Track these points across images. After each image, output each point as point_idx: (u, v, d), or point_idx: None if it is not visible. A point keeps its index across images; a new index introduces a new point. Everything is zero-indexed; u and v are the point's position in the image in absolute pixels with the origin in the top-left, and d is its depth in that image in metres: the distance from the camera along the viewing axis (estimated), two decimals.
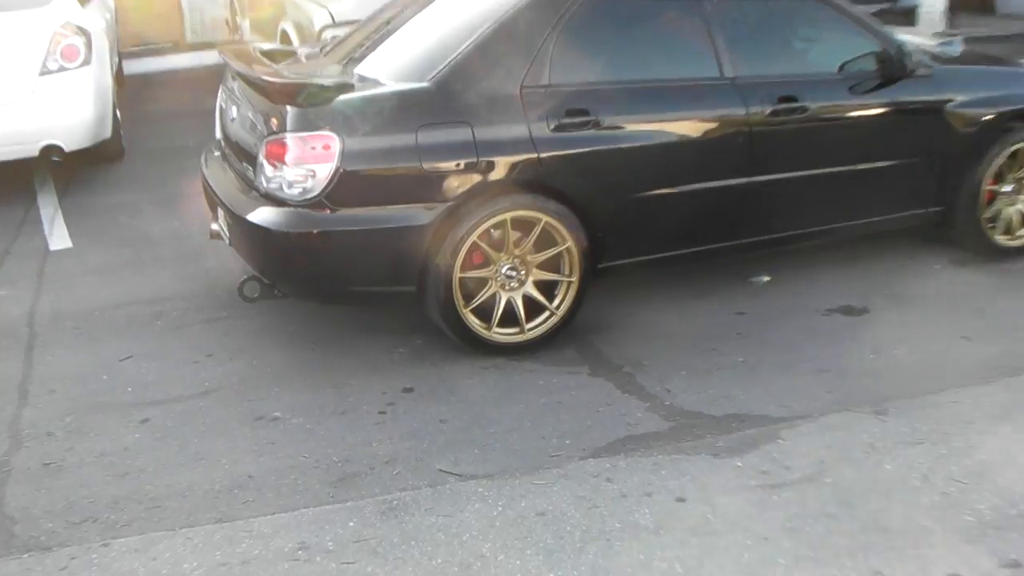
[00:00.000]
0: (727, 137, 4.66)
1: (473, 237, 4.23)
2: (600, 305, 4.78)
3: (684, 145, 4.61)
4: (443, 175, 4.18)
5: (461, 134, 4.18)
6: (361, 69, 4.60)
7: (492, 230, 4.31)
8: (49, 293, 5.28)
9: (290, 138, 4.10)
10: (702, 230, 4.76)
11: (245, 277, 4.46)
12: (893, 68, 4.93)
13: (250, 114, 4.48)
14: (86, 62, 6.66)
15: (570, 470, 3.59)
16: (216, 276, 5.33)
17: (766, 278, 5.21)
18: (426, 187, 4.18)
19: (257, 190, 4.29)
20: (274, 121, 4.17)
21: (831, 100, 4.88)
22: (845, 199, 5.00)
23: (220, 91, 5.13)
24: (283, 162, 4.11)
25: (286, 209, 4.15)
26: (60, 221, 6.31)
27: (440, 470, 3.63)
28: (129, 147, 7.76)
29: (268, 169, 4.17)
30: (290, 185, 4.11)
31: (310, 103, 4.16)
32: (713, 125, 4.65)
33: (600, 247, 4.52)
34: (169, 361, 4.51)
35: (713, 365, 4.35)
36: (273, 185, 4.17)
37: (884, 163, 5.02)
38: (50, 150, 6.51)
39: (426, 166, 4.14)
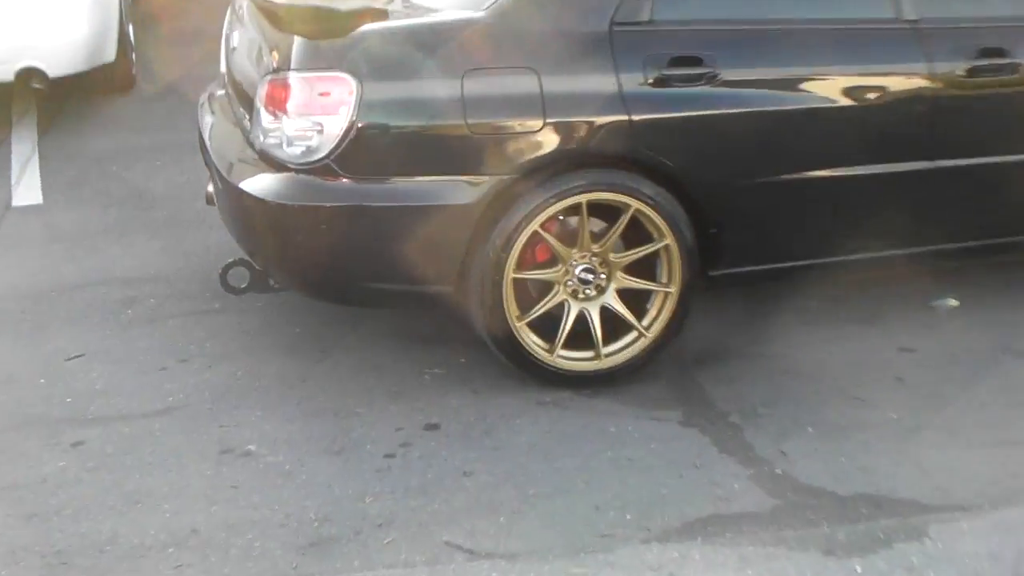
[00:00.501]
0: (900, 104, 4.38)
1: (534, 225, 4.06)
2: (711, 327, 4.61)
3: (836, 113, 4.33)
4: (496, 139, 4.01)
5: (524, 84, 4.01)
6: None
7: (562, 217, 4.16)
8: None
9: (293, 78, 3.99)
10: (859, 232, 4.49)
11: (231, 261, 4.38)
12: None
13: (254, 45, 4.41)
14: None
15: (622, 556, 3.41)
16: (217, 255, 5.22)
17: (953, 302, 4.94)
18: (472, 154, 4.02)
19: (252, 146, 4.21)
20: (275, 55, 4.08)
21: None
22: None
23: (228, 11, 5.08)
24: (284, 110, 4.00)
25: (285, 175, 4.05)
26: (34, 168, 6.40)
27: (446, 542, 3.48)
28: (143, 76, 7.84)
29: (265, 118, 4.07)
30: (291, 142, 4.00)
31: (324, 34, 4.05)
32: (880, 86, 4.37)
33: (714, 247, 4.32)
34: (129, 365, 4.49)
35: (853, 422, 4.11)
36: (271, 141, 4.07)
37: None
38: (29, 74, 6.59)
39: (472, 125, 3.98)
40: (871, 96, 4.37)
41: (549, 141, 4.04)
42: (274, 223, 4.12)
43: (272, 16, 4.23)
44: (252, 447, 3.98)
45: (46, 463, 3.87)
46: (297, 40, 4.03)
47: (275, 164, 4.07)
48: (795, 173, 4.33)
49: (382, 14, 4.18)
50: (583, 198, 4.09)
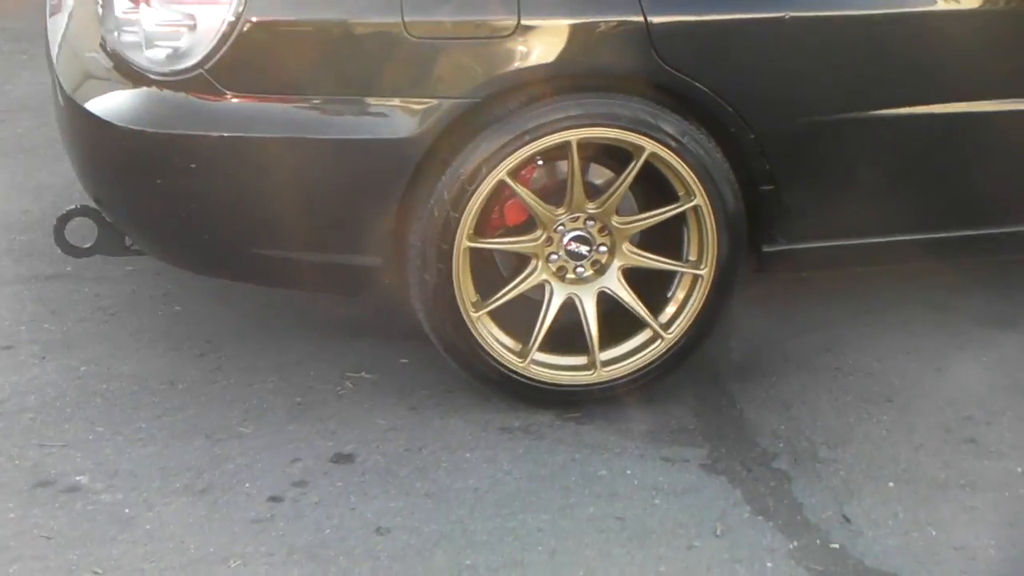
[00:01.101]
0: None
1: (499, 172, 3.86)
2: (762, 326, 4.48)
3: (945, 26, 4.09)
4: (447, 45, 3.82)
5: None
6: None
7: (542, 162, 3.98)
8: None
9: None
10: (986, 198, 4.28)
11: (71, 208, 4.20)
12: None
13: None
14: None
15: None
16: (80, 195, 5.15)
17: None
18: (411, 67, 3.82)
19: (104, 46, 4.02)
20: None
21: None
22: None
23: None
24: None
25: (142, 90, 3.88)
26: None
27: None
28: None
29: (120, 4, 3.88)
30: (151, 41, 3.82)
31: None
32: None
33: (769, 212, 4.13)
34: None
35: (959, 475, 3.89)
36: (126, 38, 3.88)
37: None
38: None
39: (412, 24, 3.77)
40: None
41: (525, 50, 3.83)
42: (126, 159, 3.94)
43: None
44: (82, 479, 3.84)
45: None
46: None
47: (132, 74, 3.89)
48: (886, 109, 4.12)
49: None
50: (572, 135, 3.88)
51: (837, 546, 3.62)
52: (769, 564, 3.55)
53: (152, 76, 3.84)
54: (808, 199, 4.17)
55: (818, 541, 3.64)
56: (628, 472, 3.89)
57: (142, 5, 3.82)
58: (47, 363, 4.32)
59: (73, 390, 4.20)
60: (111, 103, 3.90)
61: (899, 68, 4.10)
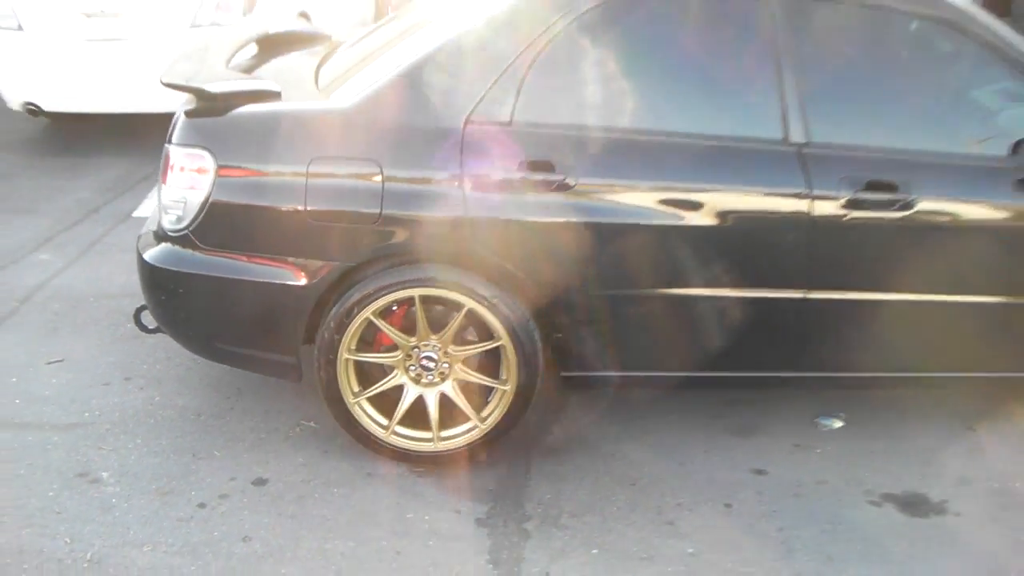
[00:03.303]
0: (773, 228, 3.24)
1: (366, 313, 3.25)
2: (582, 417, 3.72)
3: (699, 233, 3.23)
4: (332, 227, 3.21)
5: (365, 175, 3.17)
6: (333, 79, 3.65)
7: (396, 307, 3.32)
8: (82, 267, 4.94)
9: (170, 150, 3.33)
10: (721, 352, 3.36)
11: (142, 305, 3.70)
12: None
13: None
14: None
15: None
16: None
17: (839, 423, 3.72)
18: (309, 239, 3.23)
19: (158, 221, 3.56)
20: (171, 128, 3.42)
21: (960, 195, 3.26)
22: (965, 341, 3.40)
23: None
24: (164, 181, 3.36)
25: (163, 244, 3.40)
26: None
27: None
28: None
29: (164, 194, 3.41)
30: (166, 211, 3.35)
31: (206, 112, 3.34)
32: (752, 207, 3.23)
33: (562, 351, 3.37)
34: (86, 376, 3.97)
35: (645, 550, 3.05)
36: (159, 204, 3.44)
37: None
38: None
39: (311, 212, 3.19)
40: (737, 217, 3.23)
41: (384, 233, 3.19)
42: (151, 282, 3.47)
43: (193, 91, 3.48)
44: (105, 475, 3.40)
45: None
46: (182, 115, 3.35)
47: (160, 233, 3.42)
48: (646, 290, 3.28)
49: (274, 96, 3.38)
50: (415, 292, 3.24)
51: None
52: None
53: (168, 233, 3.36)
54: (586, 345, 3.36)
55: None
56: (427, 517, 3.19)
57: (163, 188, 3.36)
58: (142, 393, 3.87)
59: (142, 413, 3.74)
60: (146, 248, 3.45)
61: (650, 262, 3.26)
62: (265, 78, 3.52)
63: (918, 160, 3.24)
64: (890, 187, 3.18)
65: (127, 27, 6.28)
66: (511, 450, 3.50)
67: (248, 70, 3.73)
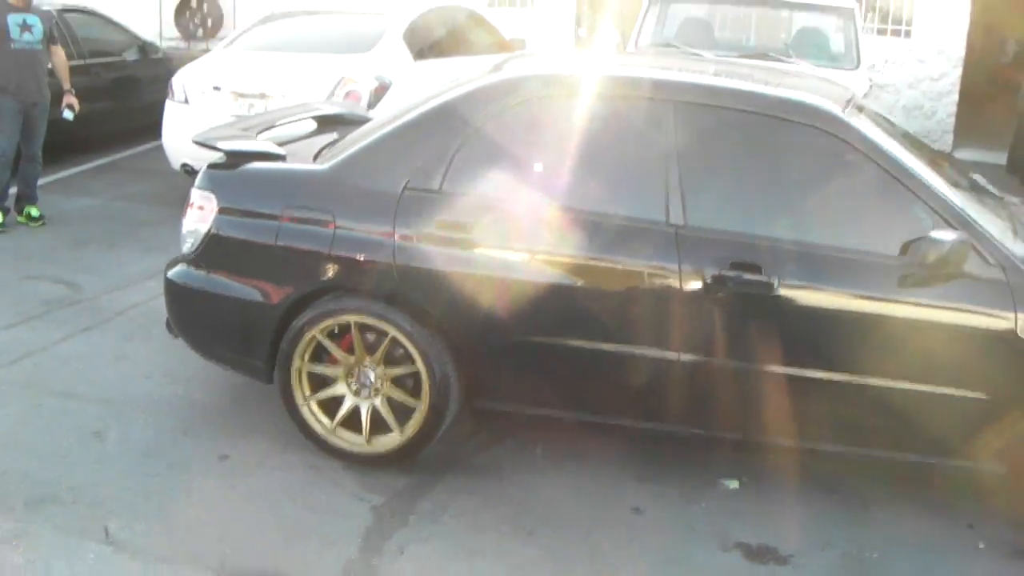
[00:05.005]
0: (646, 295, 3.77)
1: (313, 331, 4.00)
2: (507, 444, 4.28)
3: (587, 294, 3.81)
4: (294, 260, 4.01)
5: (321, 223, 3.96)
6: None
7: (336, 330, 4.04)
8: None
9: (192, 192, 4.23)
10: (603, 399, 3.92)
11: None
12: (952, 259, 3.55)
13: None
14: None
15: None
16: None
17: (734, 484, 4.09)
18: (278, 268, 4.04)
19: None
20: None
21: (816, 281, 3.68)
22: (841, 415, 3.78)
23: None
24: (185, 215, 4.26)
25: (180, 264, 4.28)
26: None
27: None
28: None
29: (183, 225, 4.31)
30: (185, 239, 4.25)
31: (227, 165, 4.22)
32: (629, 275, 3.78)
33: (474, 383, 3.99)
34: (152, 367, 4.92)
35: (502, 552, 3.59)
36: (181, 234, 4.33)
37: (919, 386, 3.66)
38: None
39: (280, 247, 4.00)
40: (615, 283, 3.82)
41: (330, 270, 3.96)
42: (167, 293, 4.35)
43: (212, 148, 4.31)
44: (112, 435, 4.28)
45: None
46: (207, 166, 4.25)
47: (179, 256, 4.31)
48: (538, 337, 3.86)
49: (278, 158, 4.23)
50: (352, 318, 3.97)
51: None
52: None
53: (184, 255, 4.25)
54: (494, 381, 3.98)
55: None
56: (332, 499, 3.86)
57: (183, 220, 4.25)
58: (170, 385, 4.75)
59: (163, 401, 4.60)
60: (171, 269, 4.32)
61: (556, 314, 3.84)
62: (284, 143, 4.39)
63: (783, 247, 3.70)
64: (754, 268, 3.66)
65: (270, 106, 7.38)
66: (435, 464, 4.11)
67: (281, 140, 4.60)
